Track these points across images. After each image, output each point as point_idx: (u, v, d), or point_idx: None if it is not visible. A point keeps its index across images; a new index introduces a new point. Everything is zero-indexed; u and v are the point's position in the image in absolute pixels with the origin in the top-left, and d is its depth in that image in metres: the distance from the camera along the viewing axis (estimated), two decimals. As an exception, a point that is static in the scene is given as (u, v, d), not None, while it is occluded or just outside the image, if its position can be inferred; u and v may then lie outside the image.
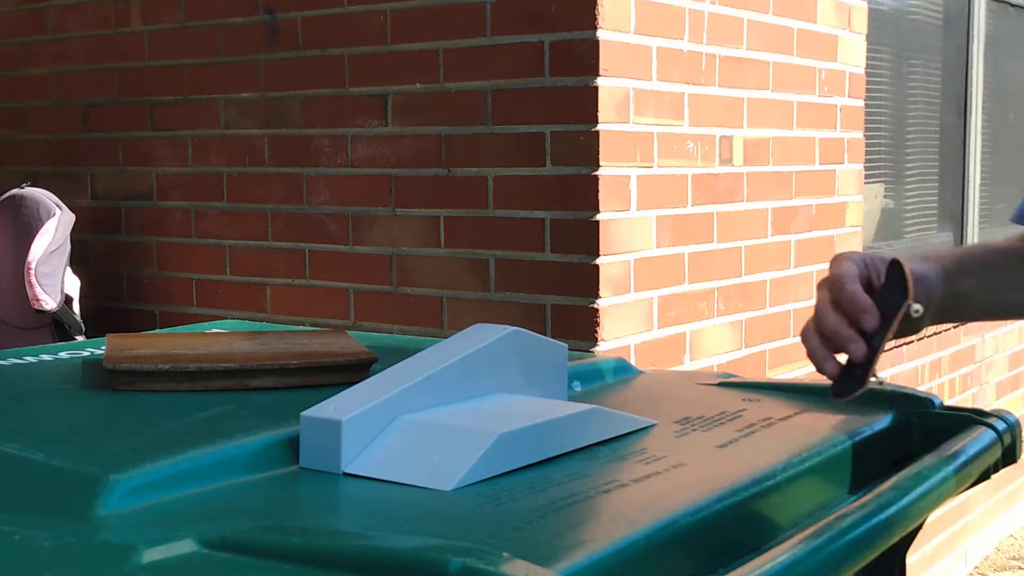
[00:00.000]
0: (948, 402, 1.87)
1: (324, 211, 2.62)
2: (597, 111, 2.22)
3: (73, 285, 2.82)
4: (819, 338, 1.03)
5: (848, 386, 1.02)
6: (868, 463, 1.12)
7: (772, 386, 1.36)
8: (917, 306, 1.03)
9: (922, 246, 4.15)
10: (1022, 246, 1.18)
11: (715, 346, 2.58)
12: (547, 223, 2.30)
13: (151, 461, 0.91)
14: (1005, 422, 1.19)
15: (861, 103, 3.15)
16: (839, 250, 3.08)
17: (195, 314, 2.85)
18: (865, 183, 3.33)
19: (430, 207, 2.45)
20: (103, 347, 1.43)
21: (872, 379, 1.02)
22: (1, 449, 0.95)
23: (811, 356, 1.05)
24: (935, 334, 3.73)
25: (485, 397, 1.09)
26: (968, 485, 1.12)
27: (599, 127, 2.23)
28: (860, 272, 1.06)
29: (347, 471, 0.95)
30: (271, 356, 1.26)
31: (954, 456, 1.08)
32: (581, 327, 2.26)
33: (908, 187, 4.13)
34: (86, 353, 1.45)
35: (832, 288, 1.04)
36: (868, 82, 3.26)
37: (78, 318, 2.81)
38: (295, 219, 2.67)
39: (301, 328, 1.74)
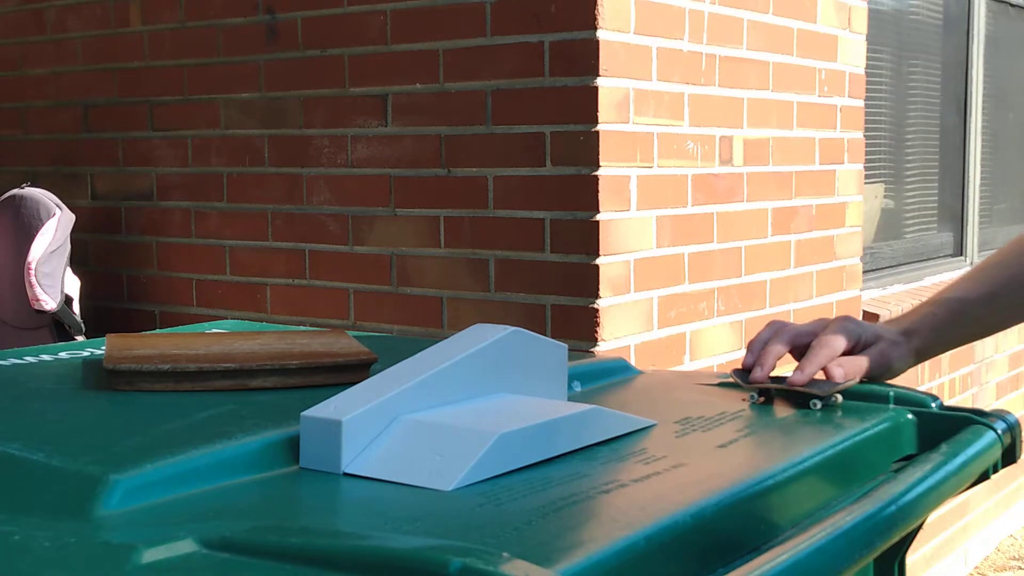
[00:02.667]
0: (948, 402, 1.87)
1: (324, 211, 2.62)
2: (597, 111, 2.22)
3: (73, 285, 2.82)
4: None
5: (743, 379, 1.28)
6: (868, 463, 1.12)
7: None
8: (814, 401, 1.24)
9: (921, 246, 4.15)
10: (990, 289, 1.37)
11: (715, 346, 2.58)
12: (547, 223, 2.30)
13: (151, 461, 0.91)
14: (1005, 422, 1.19)
15: (861, 103, 3.15)
16: (839, 250, 3.09)
17: (195, 314, 2.85)
18: (865, 183, 3.33)
19: (430, 207, 2.45)
20: (103, 347, 1.43)
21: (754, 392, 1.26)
22: (1, 449, 0.95)
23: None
24: (935, 334, 3.73)
25: (485, 397, 1.09)
26: (968, 485, 1.12)
27: (599, 127, 2.23)
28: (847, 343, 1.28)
29: (347, 471, 0.95)
30: (271, 356, 1.26)
31: (954, 456, 1.08)
32: (581, 327, 2.26)
33: (908, 187, 4.14)
34: (86, 353, 1.45)
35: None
36: (868, 82, 3.26)
37: (78, 318, 2.81)
38: (295, 219, 2.67)
39: (301, 328, 1.74)
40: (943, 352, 1.41)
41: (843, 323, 1.30)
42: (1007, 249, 1.41)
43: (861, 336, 1.29)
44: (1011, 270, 1.37)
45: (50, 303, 2.73)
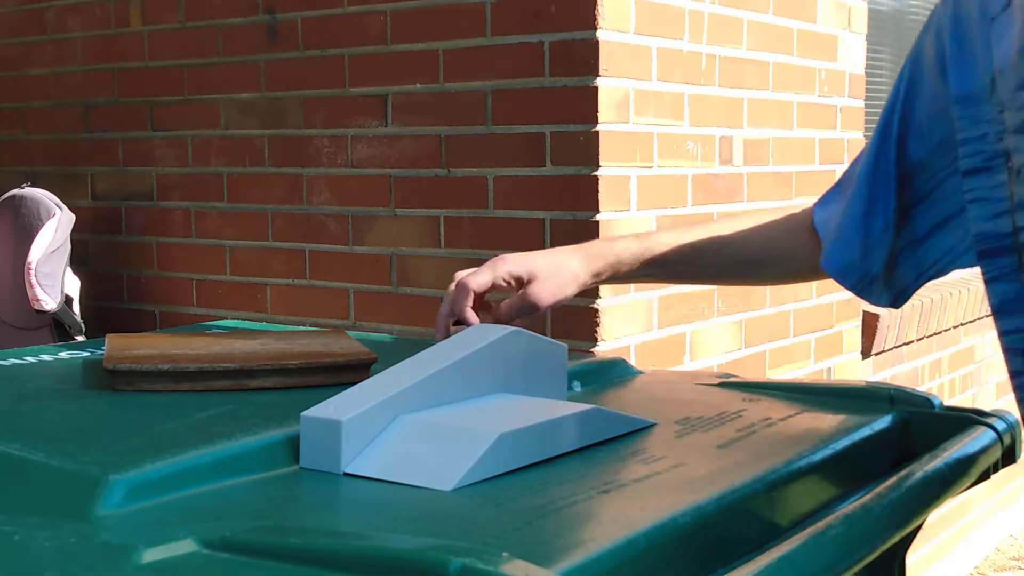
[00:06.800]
0: (948, 402, 1.87)
1: (324, 211, 2.62)
2: (597, 111, 2.22)
3: (73, 285, 2.82)
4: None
5: None
6: (868, 463, 1.12)
7: (772, 386, 1.36)
8: None
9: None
10: (698, 242, 1.37)
11: (715, 346, 2.58)
12: (547, 223, 2.30)
13: (151, 461, 0.91)
14: (1005, 422, 1.20)
15: (861, 103, 3.15)
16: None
17: (195, 314, 2.85)
18: (865, 183, 3.32)
19: (430, 207, 2.45)
20: (103, 347, 1.43)
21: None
22: (1, 449, 0.95)
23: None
24: (935, 334, 3.74)
25: (485, 397, 1.09)
26: (968, 485, 1.12)
27: (599, 127, 2.23)
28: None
29: (347, 471, 0.95)
30: (271, 356, 1.26)
31: (954, 456, 1.08)
32: (581, 327, 2.26)
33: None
34: (86, 353, 1.45)
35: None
36: (868, 82, 3.26)
37: (78, 318, 2.81)
38: (295, 219, 2.67)
39: (301, 328, 1.74)
40: (632, 282, 1.52)
41: (494, 267, 1.34)
42: (747, 215, 1.42)
43: (515, 274, 1.33)
44: (728, 234, 1.37)
45: (50, 303, 2.73)
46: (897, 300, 1.29)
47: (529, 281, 1.34)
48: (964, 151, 1.12)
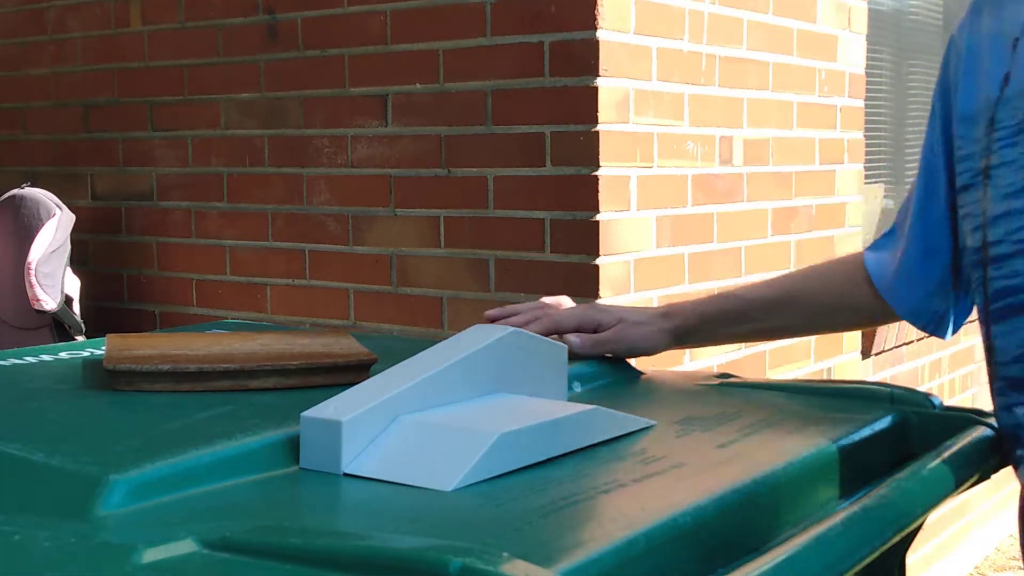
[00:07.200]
0: (948, 402, 1.87)
1: (324, 211, 2.62)
2: (597, 111, 2.22)
3: (73, 285, 2.82)
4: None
5: None
6: (868, 463, 1.12)
7: (772, 386, 1.36)
8: None
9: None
10: (771, 295, 1.40)
11: (715, 346, 2.58)
12: (547, 223, 2.30)
13: (151, 461, 0.91)
14: (1005, 422, 1.19)
15: (861, 103, 3.15)
16: (839, 250, 3.09)
17: (195, 314, 2.85)
18: (865, 183, 3.33)
19: (430, 207, 2.45)
20: (103, 347, 1.43)
21: None
22: (1, 449, 0.94)
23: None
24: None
25: (485, 397, 1.09)
26: (968, 485, 1.12)
27: (599, 127, 2.23)
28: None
29: (347, 471, 0.95)
30: (271, 357, 1.26)
31: (954, 456, 1.08)
32: (581, 327, 2.26)
33: (908, 187, 4.13)
34: (86, 353, 1.45)
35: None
36: (868, 82, 3.26)
37: (78, 318, 2.81)
38: (295, 219, 2.67)
39: (301, 328, 1.74)
40: (715, 342, 1.48)
41: (585, 308, 1.40)
42: (808, 268, 1.44)
43: (601, 321, 1.38)
44: (796, 286, 1.41)
45: (50, 303, 2.73)
46: (955, 331, 1.35)
47: (611, 327, 1.39)
48: (959, 168, 1.17)
